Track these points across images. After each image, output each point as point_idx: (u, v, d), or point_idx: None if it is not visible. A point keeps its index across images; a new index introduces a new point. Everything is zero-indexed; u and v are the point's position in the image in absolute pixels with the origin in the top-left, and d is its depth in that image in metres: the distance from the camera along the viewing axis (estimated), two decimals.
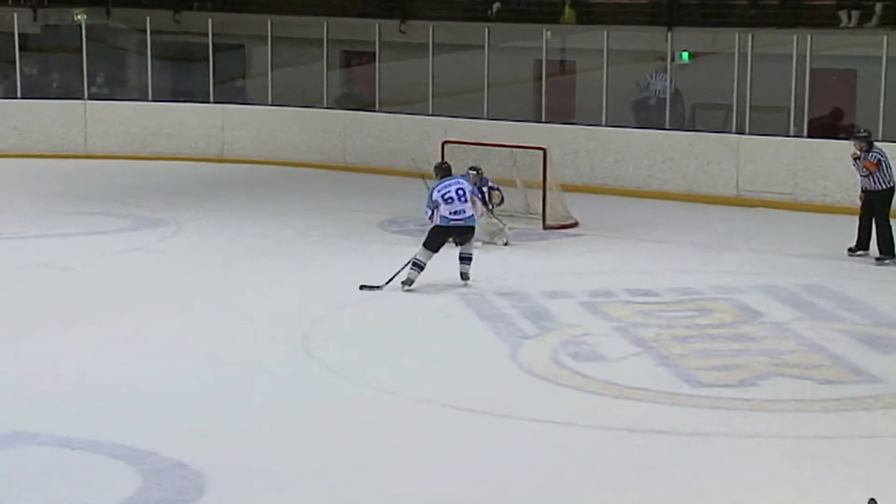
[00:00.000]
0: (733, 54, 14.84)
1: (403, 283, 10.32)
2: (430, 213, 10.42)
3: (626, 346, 8.89)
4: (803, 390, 7.96)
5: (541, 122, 15.91)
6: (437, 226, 10.37)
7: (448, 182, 10.54)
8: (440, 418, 7.48)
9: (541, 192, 13.09)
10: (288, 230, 12.99)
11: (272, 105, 17.82)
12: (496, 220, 12.18)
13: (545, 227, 12.99)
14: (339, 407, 7.63)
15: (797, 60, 14.43)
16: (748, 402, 7.71)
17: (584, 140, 15.54)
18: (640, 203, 14.67)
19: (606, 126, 15.46)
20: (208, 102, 18.04)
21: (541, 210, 13.08)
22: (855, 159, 11.65)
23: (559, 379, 8.17)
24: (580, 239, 12.71)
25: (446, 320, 9.66)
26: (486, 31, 16.44)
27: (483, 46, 16.29)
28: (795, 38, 14.53)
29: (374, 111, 17.24)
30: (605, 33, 15.44)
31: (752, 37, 14.73)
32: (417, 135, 16.47)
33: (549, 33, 16.24)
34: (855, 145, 11.67)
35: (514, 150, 13.49)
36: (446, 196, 10.40)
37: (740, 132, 14.73)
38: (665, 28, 16.25)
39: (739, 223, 13.51)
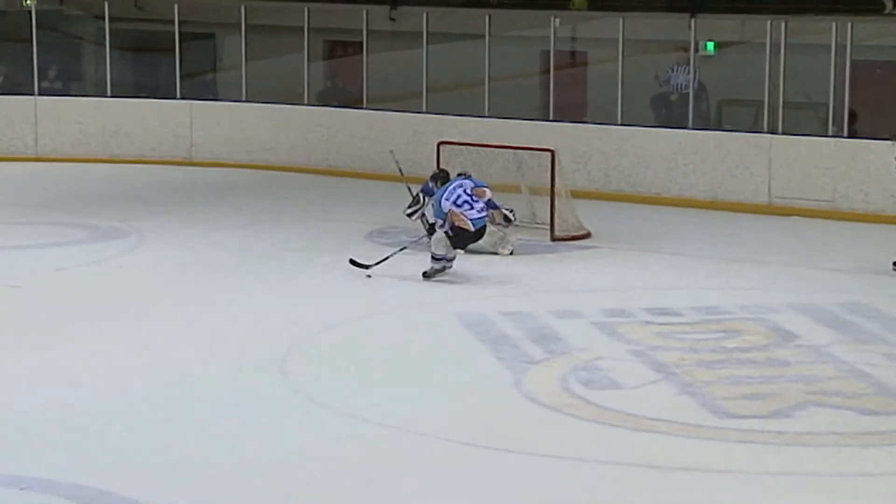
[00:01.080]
0: (764, 44, 14.88)
1: (432, 272, 11.21)
2: (442, 222, 11.21)
3: (644, 372, 8.92)
4: (844, 422, 7.98)
5: (548, 121, 15.94)
6: (466, 231, 11.21)
7: (450, 188, 11.26)
8: (437, 453, 7.49)
9: (548, 199, 13.12)
10: (264, 242, 13.02)
11: (246, 101, 17.85)
12: (496, 228, 12.23)
13: (553, 239, 13.02)
14: (323, 442, 7.64)
15: (836, 51, 14.48)
16: (782, 435, 7.73)
17: (596, 141, 15.58)
18: (660, 211, 14.71)
19: (622, 125, 15.50)
20: (174, 98, 18.07)
21: (548, 219, 13.11)
22: None
23: (569, 409, 8.19)
24: (593, 252, 12.74)
25: (442, 343, 9.68)
26: (487, 18, 16.49)
27: (483, 35, 16.34)
28: (834, 25, 14.57)
29: (361, 108, 17.27)
30: (621, 21, 15.48)
31: (786, 24, 14.77)
32: (410, 134, 16.49)
33: (557, 21, 16.29)
34: None
35: (519, 152, 13.53)
36: (459, 201, 11.12)
37: (772, 131, 14.78)
38: (688, 15, 16.26)
39: (771, 234, 13.55)
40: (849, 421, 8.00)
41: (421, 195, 12.32)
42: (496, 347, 9.46)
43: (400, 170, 12.51)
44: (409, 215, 12.39)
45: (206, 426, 7.87)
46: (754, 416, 8.04)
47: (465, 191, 11.38)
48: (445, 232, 11.27)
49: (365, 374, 8.94)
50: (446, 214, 11.27)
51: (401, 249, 11.82)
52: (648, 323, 10.14)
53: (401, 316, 10.38)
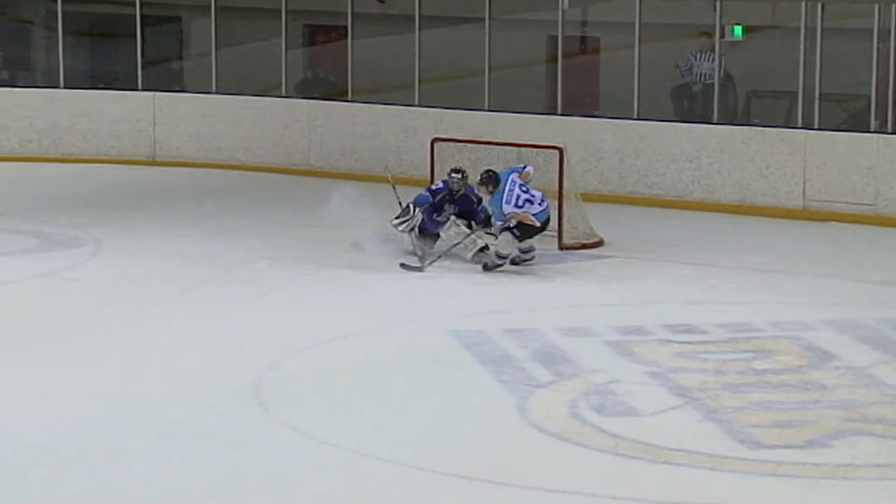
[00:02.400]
0: (798, 28, 14.93)
1: (491, 266, 12.03)
2: (503, 223, 11.97)
3: (664, 396, 8.93)
4: (888, 452, 8.00)
5: (556, 115, 15.99)
6: (531, 226, 11.99)
7: (506, 190, 11.96)
8: (432, 488, 7.50)
9: (556, 202, 13.15)
10: (237, 252, 13.03)
11: (217, 93, 17.87)
12: (464, 229, 12.49)
13: (562, 247, 13.05)
14: (304, 475, 7.65)
15: (879, 36, 14.53)
16: (818, 467, 7.74)
17: (610, 137, 15.63)
18: (682, 216, 14.75)
19: (638, 119, 15.55)
20: (136, 90, 18.09)
21: (556, 225, 13.14)
22: None
23: (580, 438, 8.21)
24: (606, 262, 12.77)
25: (438, 365, 9.70)
26: None
27: (483, 19, 16.38)
28: (877, 7, 14.61)
29: (346, 101, 17.30)
30: (638, 2, 15.53)
31: (823, 6, 14.82)
32: (400, 130, 16.53)
33: (566, 2, 16.30)
34: None
35: (523, 149, 13.56)
36: (520, 202, 11.92)
37: (807, 127, 14.82)
38: None
39: (806, 241, 13.59)
40: (894, 451, 8.02)
41: (412, 207, 12.36)
42: (498, 369, 9.47)
43: (393, 186, 12.64)
44: (396, 226, 12.45)
45: (166, 457, 7.86)
46: (787, 447, 8.05)
47: (519, 187, 12.04)
48: (511, 230, 11.99)
49: (351, 399, 8.94)
50: (507, 217, 11.98)
51: (454, 245, 12.53)
52: (668, 342, 10.16)
53: (391, 334, 10.40)
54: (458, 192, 12.42)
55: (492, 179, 12.17)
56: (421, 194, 12.51)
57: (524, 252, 12.25)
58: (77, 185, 16.44)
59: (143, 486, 7.47)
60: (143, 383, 9.20)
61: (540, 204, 12.09)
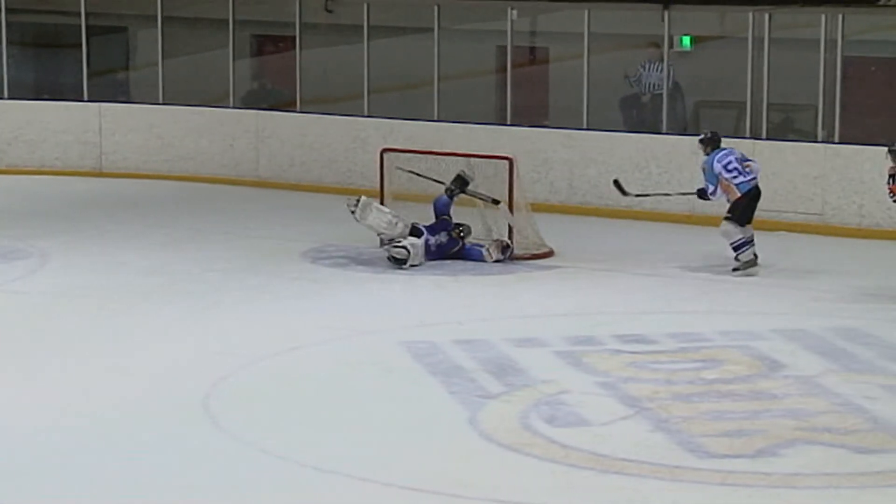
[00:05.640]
0: (746, 39, 15.03)
1: (746, 263, 12.32)
2: (713, 188, 12.39)
3: (614, 407, 8.96)
4: (837, 461, 8.06)
5: (505, 125, 16.03)
6: (738, 200, 12.31)
7: (723, 153, 12.41)
8: (384, 500, 7.50)
9: (506, 212, 13.20)
10: (184, 263, 12.99)
11: (164, 104, 17.81)
12: (395, 220, 12.82)
13: (511, 258, 13.08)
14: (257, 490, 7.63)
15: (826, 46, 14.65)
16: (768, 477, 7.79)
17: (559, 147, 15.67)
18: (631, 227, 14.80)
19: (588, 129, 15.60)
20: (82, 100, 18.01)
21: (506, 236, 13.18)
22: (891, 176, 11.82)
23: (531, 449, 8.22)
24: (556, 272, 12.81)
25: (387, 376, 9.69)
26: (436, 9, 16.55)
27: (432, 29, 16.41)
28: (824, 18, 14.73)
29: (294, 111, 17.28)
30: (586, 12, 15.59)
31: (770, 17, 14.93)
32: (349, 141, 16.52)
33: (515, 12, 16.36)
34: (893, 160, 11.80)
35: (472, 160, 13.59)
36: (729, 167, 12.30)
37: (755, 137, 14.91)
38: (661, 6, 16.41)
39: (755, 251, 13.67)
40: (842, 460, 8.07)
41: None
42: (448, 380, 9.48)
43: (416, 174, 12.98)
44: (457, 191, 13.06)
45: (112, 473, 7.80)
46: (737, 456, 8.09)
47: (735, 158, 12.42)
48: (727, 218, 12.35)
49: (299, 412, 8.93)
50: (717, 178, 12.32)
51: (666, 195, 13.51)
52: (619, 352, 10.19)
53: (342, 345, 10.38)
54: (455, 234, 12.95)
55: (712, 141, 12.57)
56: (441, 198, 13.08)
57: (742, 246, 12.40)
58: (22, 197, 16.33)
59: (89, 502, 7.43)
60: (90, 397, 9.14)
61: (746, 175, 12.38)
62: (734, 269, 12.44)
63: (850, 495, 7.64)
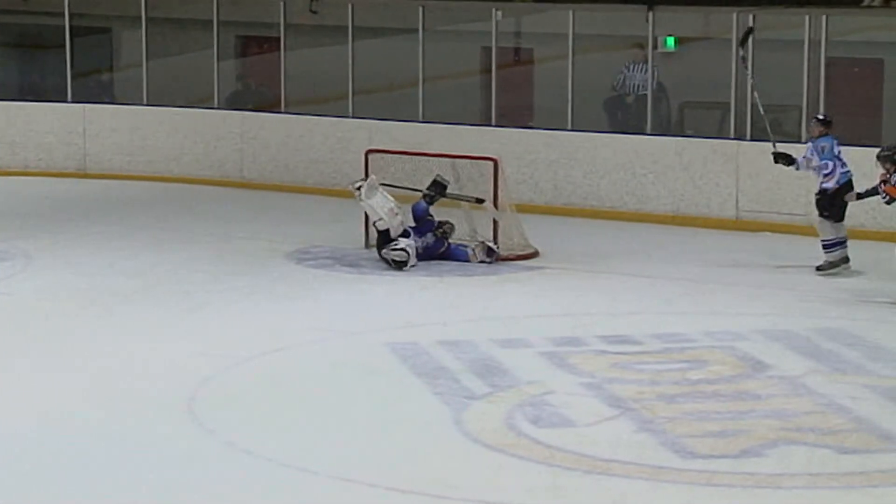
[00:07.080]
0: (730, 40, 15.06)
1: (832, 263, 12.35)
2: (831, 166, 12.44)
3: (599, 407, 8.98)
4: (821, 461, 8.09)
5: (490, 126, 16.04)
6: (840, 186, 12.36)
7: (837, 143, 12.44)
8: (369, 501, 7.50)
9: (491, 213, 13.21)
10: (169, 264, 12.98)
11: (147, 104, 17.78)
12: (397, 211, 12.76)
13: (497, 259, 13.09)
14: (242, 491, 7.63)
15: (810, 47, 14.69)
16: (752, 477, 7.82)
17: (544, 148, 15.69)
18: (616, 227, 14.82)
19: (572, 131, 15.62)
20: (65, 101, 17.97)
21: (491, 237, 13.19)
22: (882, 183, 11.87)
23: (515, 450, 8.24)
24: (540, 273, 12.82)
25: (371, 377, 9.70)
26: (421, 10, 16.56)
27: (417, 30, 16.41)
28: (808, 19, 14.77)
29: (278, 112, 17.27)
30: (571, 13, 15.62)
31: (754, 17, 14.94)
32: (334, 142, 16.51)
33: (499, 13, 16.37)
34: (884, 165, 11.85)
35: (457, 161, 13.60)
36: (840, 154, 12.40)
37: (740, 137, 14.94)
38: (645, 7, 16.43)
39: (740, 252, 13.69)
40: (826, 460, 8.10)
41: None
42: (433, 381, 9.49)
43: (393, 186, 13.09)
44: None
45: (97, 474, 7.81)
46: (721, 456, 8.12)
47: (834, 145, 12.48)
48: (821, 215, 12.39)
49: (284, 413, 8.93)
50: (834, 159, 12.39)
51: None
52: (603, 352, 10.22)
53: (324, 347, 10.39)
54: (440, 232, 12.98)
55: (824, 122, 12.66)
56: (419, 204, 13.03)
57: (833, 246, 12.49)
58: (5, 198, 16.29)
59: (73, 503, 7.43)
60: (75, 398, 9.14)
61: (846, 167, 12.47)
62: (818, 268, 12.53)
63: (835, 496, 7.67)
